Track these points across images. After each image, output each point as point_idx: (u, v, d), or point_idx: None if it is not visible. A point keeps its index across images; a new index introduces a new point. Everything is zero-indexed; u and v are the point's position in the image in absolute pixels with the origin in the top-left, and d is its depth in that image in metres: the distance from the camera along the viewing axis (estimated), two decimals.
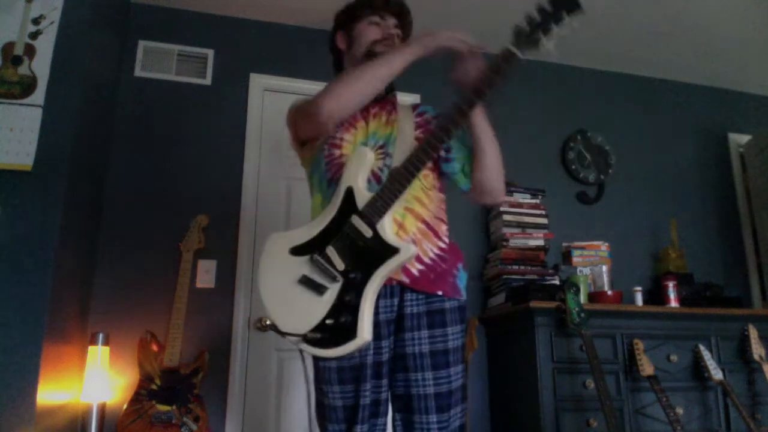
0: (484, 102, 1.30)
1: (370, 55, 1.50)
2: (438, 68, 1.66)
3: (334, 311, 1.29)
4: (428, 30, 1.38)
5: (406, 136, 1.46)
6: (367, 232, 1.32)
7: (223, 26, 2.98)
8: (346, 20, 1.60)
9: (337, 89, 1.39)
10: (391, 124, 1.50)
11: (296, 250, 1.37)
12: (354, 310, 1.28)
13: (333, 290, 1.31)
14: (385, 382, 1.37)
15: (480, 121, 1.41)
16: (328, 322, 1.29)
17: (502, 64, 1.27)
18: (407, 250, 1.30)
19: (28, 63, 2.02)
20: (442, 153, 1.52)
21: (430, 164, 1.48)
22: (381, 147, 1.46)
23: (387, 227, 1.33)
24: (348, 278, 1.31)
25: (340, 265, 1.32)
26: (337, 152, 1.46)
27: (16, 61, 2.02)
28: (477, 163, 1.47)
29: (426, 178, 1.48)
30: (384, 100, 1.54)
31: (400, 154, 1.41)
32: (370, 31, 1.54)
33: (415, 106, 1.59)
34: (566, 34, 1.27)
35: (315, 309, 1.31)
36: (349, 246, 1.32)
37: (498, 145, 1.46)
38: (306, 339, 1.29)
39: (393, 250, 1.30)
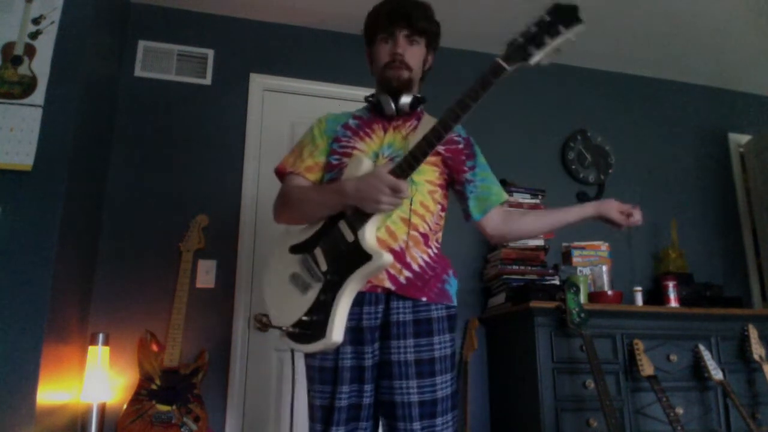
0: (468, 114, 1.27)
1: (384, 80, 1.52)
2: (432, 72, 1.67)
3: (312, 309, 1.35)
4: (363, 184, 1.33)
5: None
6: (350, 237, 1.35)
7: (223, 26, 2.98)
8: (368, 40, 1.61)
9: (286, 213, 1.54)
10: (408, 138, 1.50)
11: (294, 249, 1.44)
12: (327, 310, 1.32)
13: (315, 289, 1.36)
14: (368, 387, 1.37)
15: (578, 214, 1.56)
16: (304, 318, 1.35)
17: (490, 77, 1.24)
18: (379, 258, 1.30)
19: (28, 63, 2.02)
20: (468, 174, 1.55)
21: (440, 181, 1.52)
22: (391, 159, 1.46)
23: (368, 233, 1.34)
24: (327, 279, 1.35)
25: (323, 266, 1.37)
26: (346, 161, 1.48)
27: (16, 61, 2.02)
28: (530, 224, 1.59)
29: (434, 194, 1.49)
30: (411, 114, 1.55)
31: None
32: (381, 52, 1.54)
33: None
34: (562, 48, 1.22)
35: (298, 305, 1.37)
36: (332, 248, 1.37)
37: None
38: (286, 332, 1.37)
39: (367, 257, 1.31)
